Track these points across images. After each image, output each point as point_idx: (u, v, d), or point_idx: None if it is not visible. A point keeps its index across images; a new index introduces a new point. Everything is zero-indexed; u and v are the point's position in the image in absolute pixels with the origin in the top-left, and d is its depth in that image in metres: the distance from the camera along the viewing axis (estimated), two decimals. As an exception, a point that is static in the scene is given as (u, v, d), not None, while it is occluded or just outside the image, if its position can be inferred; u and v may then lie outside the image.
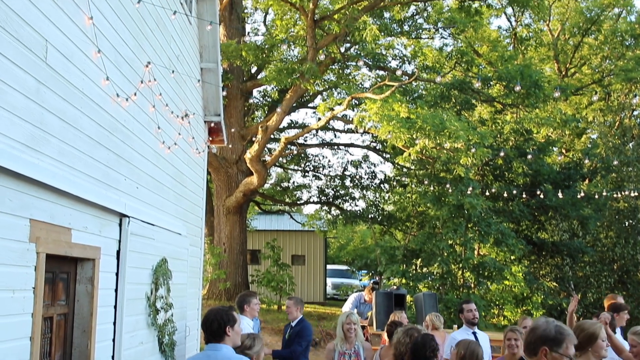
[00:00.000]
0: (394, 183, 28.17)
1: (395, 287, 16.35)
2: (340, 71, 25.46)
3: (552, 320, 4.33)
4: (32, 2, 5.09)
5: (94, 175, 6.19)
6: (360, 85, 26.31)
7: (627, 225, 23.54)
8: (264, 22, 28.85)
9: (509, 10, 29.25)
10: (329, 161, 31.56)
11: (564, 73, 30.77)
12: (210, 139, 12.29)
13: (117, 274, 6.68)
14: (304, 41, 21.34)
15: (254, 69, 25.83)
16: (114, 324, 6.58)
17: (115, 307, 6.61)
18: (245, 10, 27.76)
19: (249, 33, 27.66)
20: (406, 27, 24.14)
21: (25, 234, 4.74)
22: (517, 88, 16.79)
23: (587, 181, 26.07)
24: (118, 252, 6.73)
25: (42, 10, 5.27)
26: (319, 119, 22.76)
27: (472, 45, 26.79)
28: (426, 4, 23.86)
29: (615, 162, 22.97)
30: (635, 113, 29.95)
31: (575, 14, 29.34)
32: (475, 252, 21.35)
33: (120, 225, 6.80)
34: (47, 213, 5.13)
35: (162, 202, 8.72)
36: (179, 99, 9.78)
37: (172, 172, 9.35)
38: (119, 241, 6.76)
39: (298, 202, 32.22)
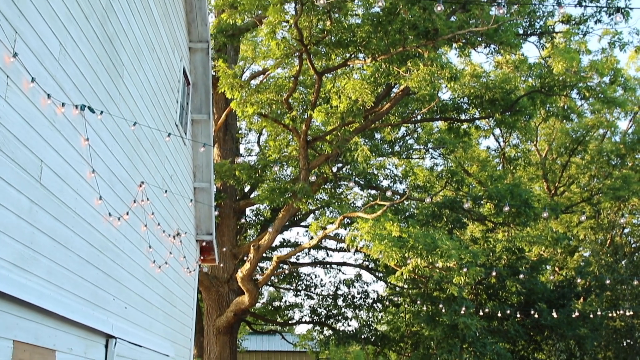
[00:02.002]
0: (387, 302, 27.83)
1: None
2: (332, 190, 25.75)
3: None
4: (29, 123, 5.22)
5: (82, 295, 6.12)
6: (352, 205, 26.53)
7: (624, 345, 23.12)
8: (258, 142, 29.45)
9: (497, 131, 30.01)
10: (321, 280, 31.15)
11: (553, 192, 31.18)
12: (202, 257, 12.25)
13: (101, 398, 6.47)
14: (297, 161, 21.70)
15: (247, 188, 26.10)
16: None
17: None
18: (240, 131, 28.40)
19: (242, 154, 28.17)
20: (397, 148, 24.66)
21: (7, 356, 4.63)
22: (506, 208, 16.95)
23: (581, 300, 25.83)
24: (103, 375, 6.55)
25: (39, 132, 5.40)
26: (311, 237, 22.78)
27: (462, 164, 27.29)
28: (416, 126, 24.48)
29: (608, 281, 22.87)
30: (625, 231, 30.12)
31: (561, 135, 30.08)
32: (472, 374, 20.80)
33: (106, 346, 6.66)
34: (31, 334, 5.03)
35: (151, 322, 8.57)
36: (171, 218, 9.83)
37: (162, 292, 9.25)
38: (105, 363, 6.60)
39: (290, 322, 31.66)
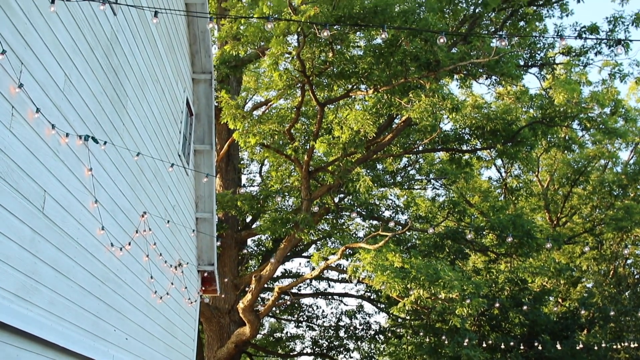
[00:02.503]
0: (389, 334, 27.62)
1: None
2: (334, 221, 25.71)
3: None
4: (33, 153, 5.24)
5: (83, 326, 6.08)
6: (354, 235, 26.47)
7: (629, 378, 22.89)
8: (260, 172, 29.50)
9: (499, 162, 30.05)
10: (323, 311, 31.00)
11: (555, 222, 31.10)
12: (203, 288, 12.20)
13: None
14: (299, 192, 21.71)
15: (248, 219, 26.07)
16: None
17: None
18: (242, 162, 28.47)
19: (244, 184, 28.20)
20: (399, 178, 24.68)
21: (8, 388, 4.60)
22: (509, 239, 16.90)
23: (585, 331, 25.62)
24: (103, 407, 6.49)
25: (43, 162, 5.42)
26: (313, 268, 22.69)
27: (464, 195, 27.27)
28: (418, 156, 24.53)
29: (612, 312, 22.71)
30: (628, 262, 29.99)
31: (563, 165, 30.10)
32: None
33: (107, 378, 6.61)
34: (32, 365, 5.00)
35: (152, 353, 8.51)
36: (173, 248, 9.81)
37: (163, 323, 9.19)
38: (105, 395, 6.54)
39: (291, 354, 31.39)
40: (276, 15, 15.36)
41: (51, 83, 5.70)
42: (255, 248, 29.80)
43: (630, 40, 14.67)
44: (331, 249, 23.35)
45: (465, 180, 24.49)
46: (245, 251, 27.74)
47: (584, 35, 17.36)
